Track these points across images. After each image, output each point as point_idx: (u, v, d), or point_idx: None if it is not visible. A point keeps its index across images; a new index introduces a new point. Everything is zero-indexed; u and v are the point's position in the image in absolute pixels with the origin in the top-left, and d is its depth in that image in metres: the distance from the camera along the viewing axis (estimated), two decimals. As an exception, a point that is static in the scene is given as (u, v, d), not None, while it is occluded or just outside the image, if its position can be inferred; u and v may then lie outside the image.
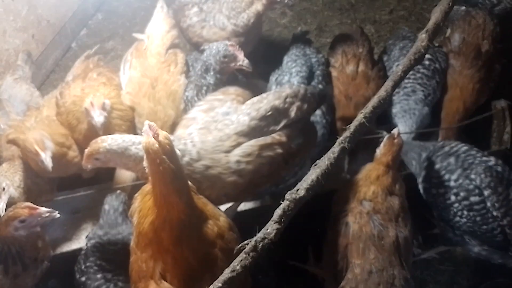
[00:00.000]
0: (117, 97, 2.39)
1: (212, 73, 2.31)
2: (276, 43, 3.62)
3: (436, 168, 2.27)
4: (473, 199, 2.14)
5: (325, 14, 3.77)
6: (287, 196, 1.58)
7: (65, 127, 2.33)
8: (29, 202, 1.94)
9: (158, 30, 2.60)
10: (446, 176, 2.22)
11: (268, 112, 1.97)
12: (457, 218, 2.19)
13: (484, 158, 2.24)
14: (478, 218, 2.14)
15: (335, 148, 1.70)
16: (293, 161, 2.10)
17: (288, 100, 2.01)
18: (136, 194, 1.73)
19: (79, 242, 2.35)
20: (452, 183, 2.20)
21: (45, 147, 2.09)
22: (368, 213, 1.97)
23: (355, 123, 1.77)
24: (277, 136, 1.97)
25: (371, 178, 2.03)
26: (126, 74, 2.47)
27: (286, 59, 2.77)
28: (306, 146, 2.12)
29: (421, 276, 2.54)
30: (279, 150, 1.96)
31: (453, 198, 2.19)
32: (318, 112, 2.45)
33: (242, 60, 2.27)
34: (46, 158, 2.06)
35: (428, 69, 2.65)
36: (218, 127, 1.96)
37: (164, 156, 1.50)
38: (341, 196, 2.09)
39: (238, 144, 1.92)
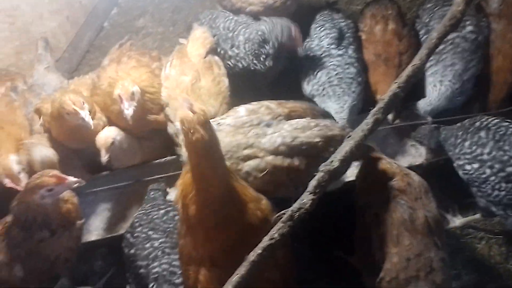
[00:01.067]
0: (148, 79, 2.48)
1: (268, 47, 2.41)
2: (304, 13, 3.57)
3: (468, 144, 2.22)
4: (510, 169, 2.09)
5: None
6: (321, 167, 1.61)
7: (100, 107, 2.45)
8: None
9: (198, 36, 2.69)
10: (479, 151, 2.17)
11: (303, 146, 1.90)
12: (496, 192, 2.15)
13: None
14: None
15: (369, 119, 1.69)
16: (301, 182, 1.88)
17: (331, 143, 1.91)
18: (178, 182, 1.76)
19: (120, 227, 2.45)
20: (485, 157, 2.15)
21: (83, 106, 2.18)
22: (394, 198, 1.96)
23: (389, 93, 1.75)
24: (296, 162, 1.90)
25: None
26: (166, 72, 2.54)
27: (313, 26, 2.75)
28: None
29: (457, 245, 2.56)
30: (292, 175, 1.90)
31: (488, 171, 2.14)
32: (352, 70, 2.47)
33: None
34: (86, 115, 2.15)
35: (469, 41, 2.51)
36: (248, 133, 1.93)
37: (198, 126, 1.50)
38: (364, 187, 2.09)
39: (255, 157, 1.89)
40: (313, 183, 1.58)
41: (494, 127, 2.20)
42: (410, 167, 2.37)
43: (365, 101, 2.52)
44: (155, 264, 1.92)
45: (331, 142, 1.94)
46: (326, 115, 2.27)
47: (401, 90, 1.73)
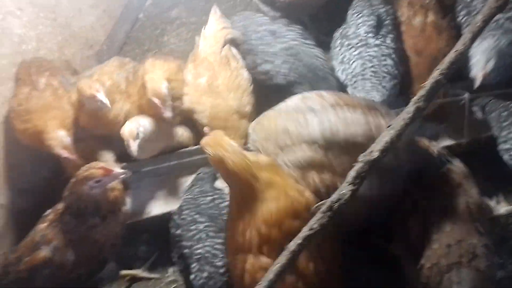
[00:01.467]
0: (175, 68, 2.57)
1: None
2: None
3: None
4: None
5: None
6: (360, 157, 1.60)
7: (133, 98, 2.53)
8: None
9: (211, 30, 2.71)
10: None
11: (341, 142, 1.79)
12: None
13: None
14: None
15: (410, 108, 1.66)
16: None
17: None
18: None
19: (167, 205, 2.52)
20: None
21: (99, 90, 2.29)
22: (433, 185, 1.93)
23: (430, 80, 1.70)
24: (330, 157, 1.83)
25: None
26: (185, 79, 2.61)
27: (350, 12, 2.67)
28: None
29: (502, 233, 2.48)
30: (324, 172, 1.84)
31: None
32: (389, 62, 2.38)
33: None
34: (103, 98, 2.27)
35: None
36: (290, 119, 1.88)
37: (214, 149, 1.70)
38: None
39: (291, 145, 1.85)
40: (352, 173, 1.58)
41: None
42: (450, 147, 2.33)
43: (398, 95, 2.42)
44: (199, 245, 2.01)
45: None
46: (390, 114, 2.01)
47: (443, 77, 1.68)
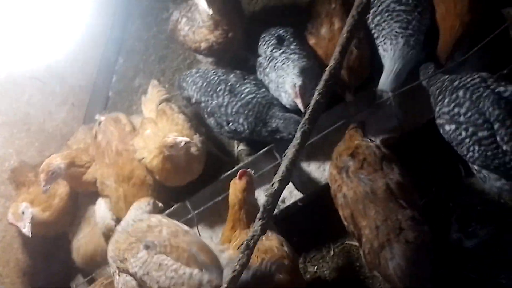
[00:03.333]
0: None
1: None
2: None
3: (447, 102, 2.20)
4: (482, 134, 2.06)
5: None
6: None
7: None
8: None
9: (149, 95, 3.17)
10: (456, 110, 2.15)
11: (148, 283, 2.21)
12: (470, 153, 2.13)
13: (498, 89, 2.09)
14: (489, 153, 2.05)
15: (298, 134, 1.81)
16: None
17: None
18: None
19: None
20: (461, 118, 2.12)
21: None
22: (354, 174, 2.06)
23: (312, 102, 1.84)
24: None
25: (340, 148, 2.12)
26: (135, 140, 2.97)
27: (258, 46, 2.86)
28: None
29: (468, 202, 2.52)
30: None
31: (463, 133, 2.12)
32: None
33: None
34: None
35: (407, 3, 2.49)
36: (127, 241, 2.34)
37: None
38: (332, 172, 2.21)
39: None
40: (261, 209, 1.75)
41: (473, 87, 2.14)
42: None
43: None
44: None
45: None
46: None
47: (321, 97, 1.82)
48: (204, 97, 2.86)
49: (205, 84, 2.90)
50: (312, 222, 2.78)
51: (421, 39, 2.49)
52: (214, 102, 2.79)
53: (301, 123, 1.83)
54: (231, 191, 2.39)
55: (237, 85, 2.77)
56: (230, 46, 2.99)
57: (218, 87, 2.80)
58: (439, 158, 2.66)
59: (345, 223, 2.18)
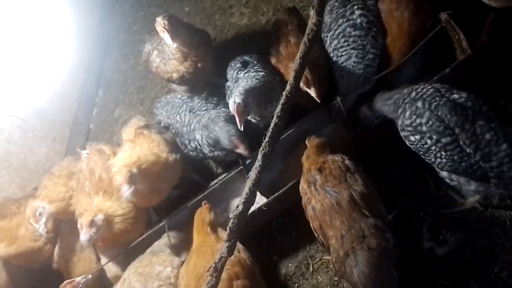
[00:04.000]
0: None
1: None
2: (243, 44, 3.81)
3: (408, 115, 2.31)
4: (445, 140, 2.17)
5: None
6: (231, 214, 1.85)
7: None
8: None
9: (129, 130, 3.20)
10: (418, 121, 2.26)
11: None
12: (438, 160, 2.24)
13: (453, 96, 2.22)
14: (455, 157, 2.16)
15: (259, 156, 1.90)
16: None
17: None
18: None
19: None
20: (424, 128, 2.23)
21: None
22: (322, 187, 2.16)
23: (271, 125, 1.95)
24: None
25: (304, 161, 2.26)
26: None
27: (227, 72, 2.98)
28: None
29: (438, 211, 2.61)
30: None
31: (429, 141, 2.22)
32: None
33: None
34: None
35: (362, 28, 2.65)
36: None
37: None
38: (303, 186, 2.31)
39: None
40: (227, 231, 1.82)
41: (429, 97, 2.26)
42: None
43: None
44: None
45: None
46: None
47: (279, 120, 1.92)
48: (170, 120, 3.07)
49: (170, 107, 3.12)
50: (289, 238, 2.84)
51: (375, 65, 2.66)
52: (178, 123, 2.98)
53: (262, 145, 1.93)
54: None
55: (198, 105, 2.98)
56: (201, 75, 3.11)
57: (180, 109, 3.02)
58: (407, 169, 2.76)
59: (316, 235, 2.25)
